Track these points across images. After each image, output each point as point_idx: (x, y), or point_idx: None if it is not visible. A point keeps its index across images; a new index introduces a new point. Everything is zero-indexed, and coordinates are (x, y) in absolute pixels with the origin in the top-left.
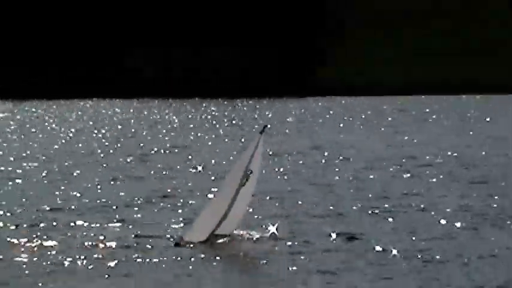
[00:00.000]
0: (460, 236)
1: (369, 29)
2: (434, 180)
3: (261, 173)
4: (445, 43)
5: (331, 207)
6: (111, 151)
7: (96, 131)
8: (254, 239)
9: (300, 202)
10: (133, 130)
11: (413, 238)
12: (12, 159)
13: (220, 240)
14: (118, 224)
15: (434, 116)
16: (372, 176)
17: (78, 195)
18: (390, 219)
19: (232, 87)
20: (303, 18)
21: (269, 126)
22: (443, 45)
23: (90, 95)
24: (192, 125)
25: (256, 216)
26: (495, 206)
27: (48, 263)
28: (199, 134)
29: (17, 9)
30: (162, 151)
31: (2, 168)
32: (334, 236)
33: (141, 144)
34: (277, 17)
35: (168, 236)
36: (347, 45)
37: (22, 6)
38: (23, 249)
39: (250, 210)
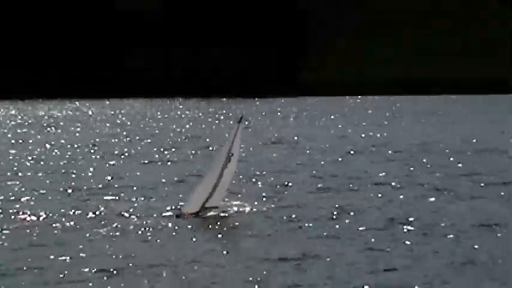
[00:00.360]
0: (431, 207)
1: (369, 29)
2: (405, 164)
3: (257, 158)
4: (445, 43)
5: (319, 185)
6: (148, 141)
7: (128, 126)
8: (252, 210)
9: (291, 180)
10: (161, 124)
11: (392, 210)
12: (68, 146)
13: (222, 213)
14: (154, 199)
15: (408, 112)
16: (354, 160)
17: (122, 174)
18: (371, 195)
19: (232, 87)
20: (303, 18)
21: (244, 114)
22: (443, 45)
23: (90, 95)
24: (204, 119)
25: (254, 192)
26: (458, 183)
27: (90, 228)
28: (213, 127)
29: (17, 9)
30: (186, 140)
31: (58, 152)
32: (324, 208)
33: (167, 136)
34: (277, 17)
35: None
36: (347, 45)
37: (22, 6)
38: (72, 218)
39: (249, 187)
